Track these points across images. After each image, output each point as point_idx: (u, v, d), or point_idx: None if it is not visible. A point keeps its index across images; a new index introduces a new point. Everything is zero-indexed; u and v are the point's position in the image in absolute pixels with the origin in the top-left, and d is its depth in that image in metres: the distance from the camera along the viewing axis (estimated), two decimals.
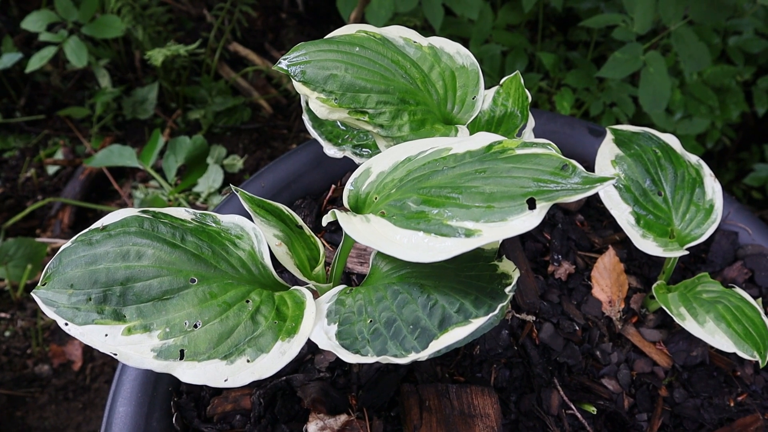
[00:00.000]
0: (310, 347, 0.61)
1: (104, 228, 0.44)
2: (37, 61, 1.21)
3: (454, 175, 0.41)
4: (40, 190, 1.28)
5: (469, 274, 0.43)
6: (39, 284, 0.42)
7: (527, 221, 0.35)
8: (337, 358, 0.60)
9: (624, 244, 0.74)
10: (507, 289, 0.39)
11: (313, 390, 0.57)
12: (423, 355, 0.38)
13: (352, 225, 0.41)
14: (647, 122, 1.41)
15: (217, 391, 0.59)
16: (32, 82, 1.45)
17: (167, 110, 1.45)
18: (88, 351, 1.11)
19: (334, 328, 0.43)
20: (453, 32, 1.33)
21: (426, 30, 1.39)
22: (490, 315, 0.37)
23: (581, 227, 0.74)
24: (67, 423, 1.04)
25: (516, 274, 0.41)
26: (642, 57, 1.19)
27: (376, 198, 0.44)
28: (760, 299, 0.68)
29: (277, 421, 0.57)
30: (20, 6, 1.50)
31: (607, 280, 0.68)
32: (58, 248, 1.07)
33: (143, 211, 0.45)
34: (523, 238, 0.71)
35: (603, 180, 0.35)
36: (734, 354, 0.63)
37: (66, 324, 0.40)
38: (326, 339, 0.42)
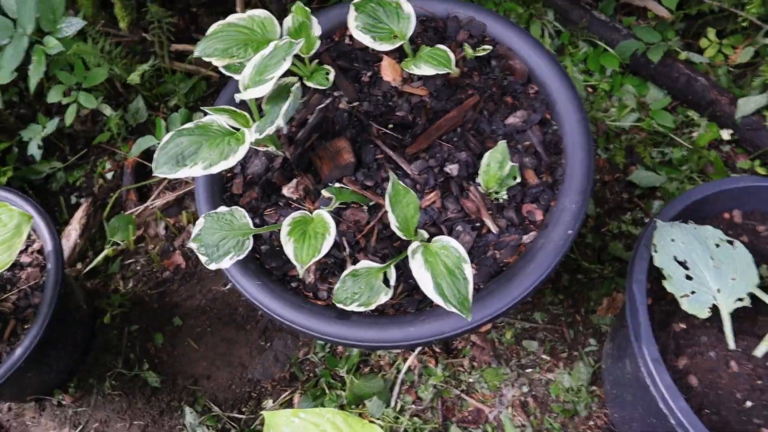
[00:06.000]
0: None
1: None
2: (70, 116, 1.91)
3: (268, 60, 1.09)
4: (111, 189, 2.01)
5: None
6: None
7: (285, 66, 1.04)
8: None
9: (393, 53, 1.41)
10: (291, 89, 1.08)
11: (278, 175, 1.28)
12: (281, 122, 1.08)
13: (244, 94, 1.10)
14: None
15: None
16: (64, 134, 2.15)
17: (154, 108, 2.15)
18: (186, 256, 1.86)
19: None
20: None
21: None
22: (289, 101, 1.07)
23: (371, 54, 1.42)
24: (193, 292, 1.80)
25: (298, 92, 1.10)
26: None
27: (248, 82, 1.13)
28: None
29: (268, 194, 1.28)
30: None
31: (389, 70, 1.36)
32: (138, 214, 1.81)
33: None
34: (347, 70, 1.40)
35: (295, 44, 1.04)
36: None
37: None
38: None
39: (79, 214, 1.91)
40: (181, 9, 2.35)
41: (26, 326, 1.41)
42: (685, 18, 2.12)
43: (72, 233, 1.87)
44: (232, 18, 1.24)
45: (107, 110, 2.12)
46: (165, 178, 2.00)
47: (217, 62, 1.21)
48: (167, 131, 1.92)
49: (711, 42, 2.03)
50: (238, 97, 1.12)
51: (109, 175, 2.06)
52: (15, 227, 1.18)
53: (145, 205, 1.94)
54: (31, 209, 1.47)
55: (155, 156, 1.13)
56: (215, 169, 1.11)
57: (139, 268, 1.86)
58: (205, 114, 1.20)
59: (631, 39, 2.02)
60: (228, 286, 1.77)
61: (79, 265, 1.86)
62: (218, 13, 2.34)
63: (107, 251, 1.87)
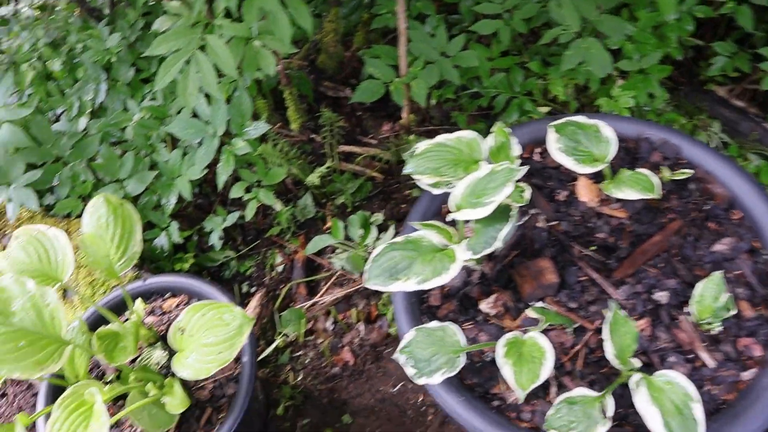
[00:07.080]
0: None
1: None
2: (251, 211, 2.04)
3: (485, 183, 1.14)
4: (281, 281, 2.12)
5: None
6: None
7: (507, 191, 1.09)
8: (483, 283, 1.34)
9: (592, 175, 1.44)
10: (510, 213, 1.12)
11: (476, 289, 1.31)
12: (499, 244, 1.12)
13: (457, 214, 1.15)
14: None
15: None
16: (237, 225, 2.30)
17: (321, 205, 2.27)
18: (354, 353, 1.90)
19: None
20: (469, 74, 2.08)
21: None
22: (510, 224, 1.11)
23: (564, 173, 1.45)
24: (362, 390, 1.83)
25: (516, 215, 1.14)
26: (584, 45, 1.88)
27: (461, 202, 1.18)
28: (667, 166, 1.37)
29: (465, 307, 1.31)
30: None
31: (585, 190, 1.39)
32: (307, 308, 1.89)
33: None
34: (540, 188, 1.43)
35: (516, 170, 1.09)
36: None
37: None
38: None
39: (254, 304, 2.02)
40: (347, 113, 2.50)
41: (221, 415, 1.49)
42: None
43: None
44: (440, 138, 1.31)
45: (278, 205, 2.25)
46: (333, 275, 2.08)
47: (426, 179, 1.27)
48: (345, 232, 2.01)
49: None
50: (450, 216, 1.18)
51: (279, 268, 2.17)
52: (237, 328, 1.26)
53: (315, 300, 2.02)
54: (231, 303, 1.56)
55: (367, 267, 1.19)
56: (428, 285, 1.16)
57: (308, 361, 1.92)
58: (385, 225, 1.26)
59: None
60: (397, 388, 1.80)
61: None
62: (381, 117, 2.48)
63: (278, 342, 1.95)
